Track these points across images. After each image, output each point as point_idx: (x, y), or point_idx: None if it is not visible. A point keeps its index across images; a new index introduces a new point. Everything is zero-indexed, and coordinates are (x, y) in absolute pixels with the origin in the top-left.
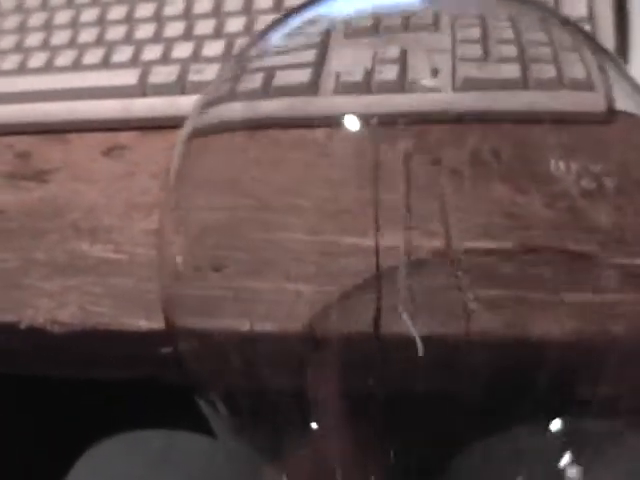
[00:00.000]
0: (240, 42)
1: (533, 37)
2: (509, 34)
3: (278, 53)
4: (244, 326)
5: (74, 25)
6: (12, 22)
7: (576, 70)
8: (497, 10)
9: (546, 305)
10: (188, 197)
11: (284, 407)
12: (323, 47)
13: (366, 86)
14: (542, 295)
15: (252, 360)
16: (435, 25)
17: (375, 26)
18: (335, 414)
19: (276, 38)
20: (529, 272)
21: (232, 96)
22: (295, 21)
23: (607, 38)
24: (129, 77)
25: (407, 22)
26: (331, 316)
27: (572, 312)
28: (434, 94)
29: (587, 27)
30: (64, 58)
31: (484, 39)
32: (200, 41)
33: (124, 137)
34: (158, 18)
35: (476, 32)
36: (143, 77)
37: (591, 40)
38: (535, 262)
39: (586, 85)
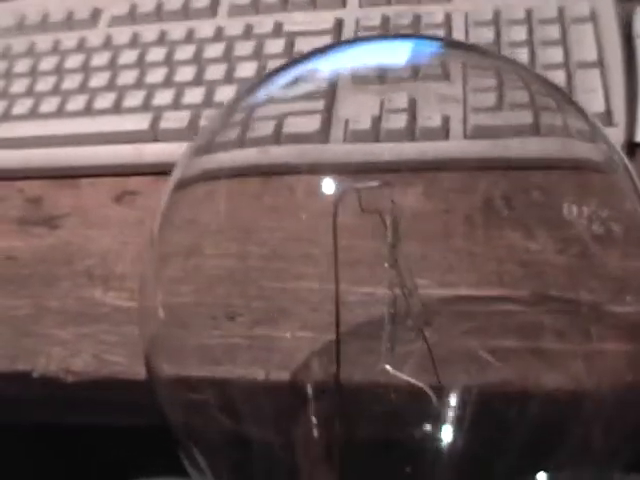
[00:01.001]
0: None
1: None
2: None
3: (287, 100)
4: (259, 375)
5: (85, 69)
6: (23, 66)
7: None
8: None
9: (558, 356)
10: (197, 244)
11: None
12: (332, 94)
13: (375, 134)
14: (555, 346)
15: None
16: (445, 74)
17: (383, 74)
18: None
19: (284, 85)
20: (541, 322)
21: (242, 142)
22: (302, 68)
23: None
24: (140, 122)
25: (416, 71)
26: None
27: (584, 363)
28: (444, 142)
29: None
30: (75, 103)
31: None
32: (211, 86)
33: (135, 182)
34: (169, 63)
35: (488, 82)
36: (154, 122)
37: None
38: (548, 312)
39: (604, 120)
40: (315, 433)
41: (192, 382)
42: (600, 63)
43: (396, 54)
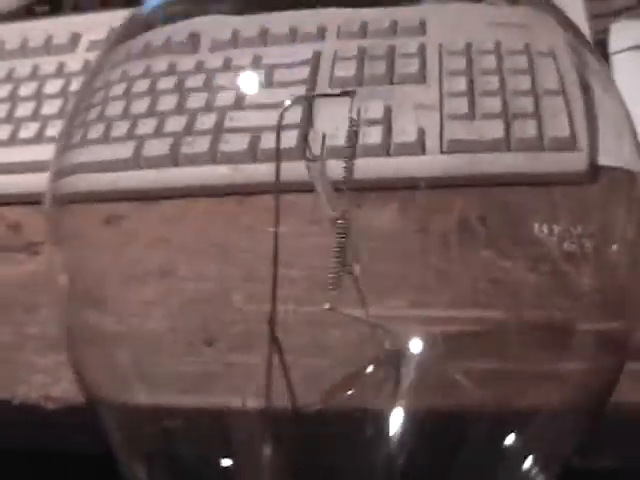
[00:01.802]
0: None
1: (517, 84)
2: (494, 82)
3: (260, 108)
4: (236, 402)
5: (64, 94)
6: (3, 91)
7: (559, 125)
8: (484, 36)
9: (532, 377)
10: (171, 264)
11: None
12: (308, 102)
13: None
14: (527, 367)
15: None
16: (421, 74)
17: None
18: None
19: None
20: (514, 343)
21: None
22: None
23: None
24: (124, 150)
25: (392, 72)
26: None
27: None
28: (420, 158)
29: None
30: (55, 129)
31: (470, 91)
32: (192, 115)
33: (119, 208)
34: (151, 93)
35: (462, 82)
36: (137, 150)
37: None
38: (519, 332)
39: (569, 143)
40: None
41: (163, 410)
42: (562, 91)
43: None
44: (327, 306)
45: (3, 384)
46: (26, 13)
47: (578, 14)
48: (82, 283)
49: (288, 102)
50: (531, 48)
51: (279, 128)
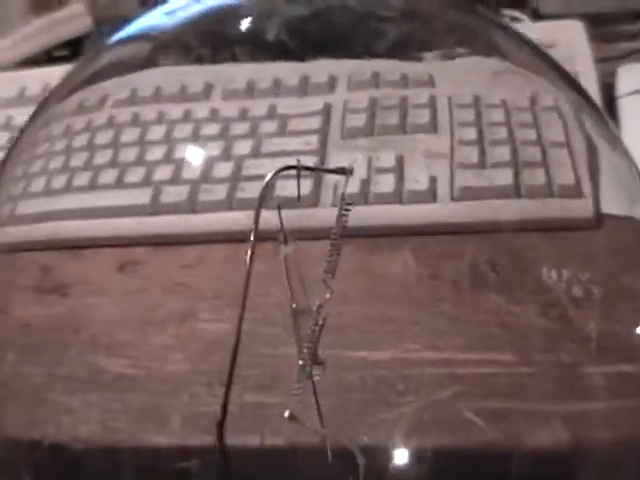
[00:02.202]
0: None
1: (525, 135)
2: (503, 132)
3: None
4: (254, 441)
5: (91, 148)
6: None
7: (565, 174)
8: (490, 91)
9: (541, 416)
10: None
11: None
12: (322, 151)
13: (363, 197)
14: (538, 407)
15: None
16: (432, 124)
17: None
18: None
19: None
20: (524, 384)
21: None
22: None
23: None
24: (142, 196)
25: (404, 122)
26: None
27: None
28: (432, 205)
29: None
30: (81, 179)
31: (480, 140)
32: (209, 163)
33: (137, 253)
34: (168, 140)
35: (472, 132)
36: (155, 196)
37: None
38: (530, 374)
39: (575, 191)
40: None
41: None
42: (567, 143)
43: None
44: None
45: (34, 424)
46: (46, 58)
47: (585, 57)
48: (92, 329)
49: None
50: (536, 103)
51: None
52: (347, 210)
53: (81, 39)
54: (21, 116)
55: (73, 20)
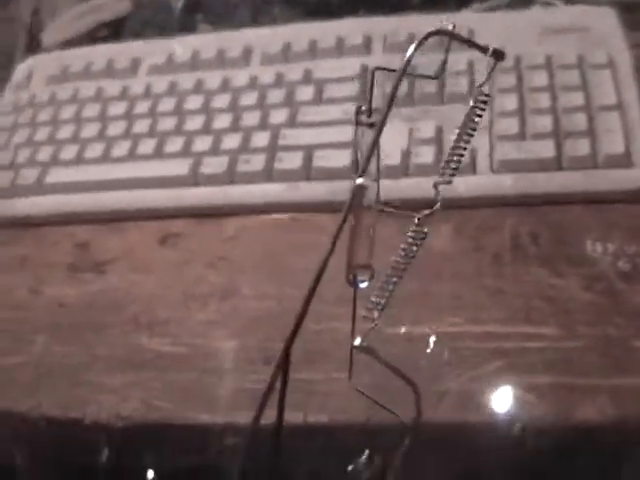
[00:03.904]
0: (283, 132)
1: (569, 100)
2: (545, 100)
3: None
4: (297, 418)
5: (128, 117)
6: (68, 112)
7: (613, 141)
8: (534, 49)
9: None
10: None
11: None
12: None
13: (404, 169)
14: (585, 381)
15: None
16: (471, 94)
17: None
18: None
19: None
20: (570, 358)
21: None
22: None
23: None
24: (181, 167)
25: (442, 91)
26: None
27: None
28: (471, 177)
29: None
30: (120, 149)
31: (520, 110)
32: (247, 132)
33: (177, 225)
34: (207, 110)
35: (512, 101)
36: (194, 167)
37: None
38: (575, 348)
39: (623, 160)
40: None
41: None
42: (619, 106)
43: None
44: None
45: (74, 404)
46: (88, 39)
47: (618, 42)
48: (133, 307)
49: None
50: (585, 61)
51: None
52: (483, 105)
53: (121, 20)
54: (67, 92)
55: (114, 3)
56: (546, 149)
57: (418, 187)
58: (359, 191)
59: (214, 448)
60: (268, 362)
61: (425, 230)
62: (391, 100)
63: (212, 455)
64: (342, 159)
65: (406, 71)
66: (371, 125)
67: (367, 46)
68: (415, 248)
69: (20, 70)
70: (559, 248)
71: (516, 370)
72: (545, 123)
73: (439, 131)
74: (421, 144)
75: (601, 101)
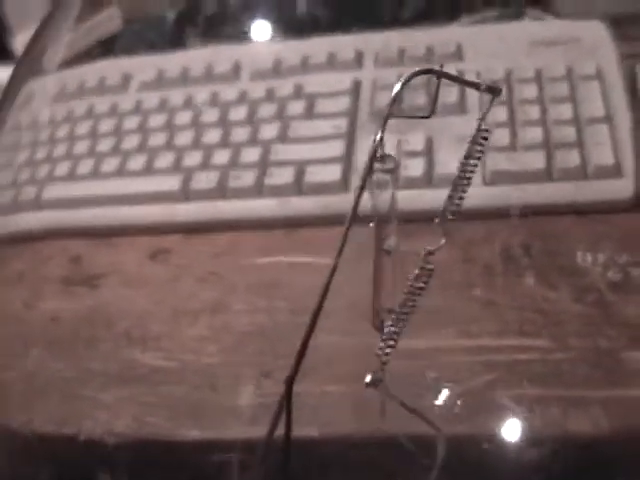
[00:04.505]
0: (275, 148)
1: (559, 112)
2: (535, 112)
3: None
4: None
5: (117, 133)
6: (63, 131)
7: (603, 153)
8: (524, 62)
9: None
10: (223, 298)
11: None
12: (351, 134)
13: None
14: (576, 393)
15: None
16: (461, 104)
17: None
18: None
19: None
20: (561, 371)
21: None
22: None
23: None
24: (172, 183)
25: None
26: None
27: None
28: None
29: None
30: (109, 165)
31: (511, 121)
32: (237, 148)
33: (168, 241)
34: (196, 125)
35: (502, 113)
36: (185, 183)
37: None
38: (567, 360)
39: (613, 171)
40: None
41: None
42: (607, 118)
43: None
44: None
45: (68, 420)
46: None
47: (608, 54)
48: (125, 322)
49: None
50: (574, 73)
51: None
52: (484, 136)
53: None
54: (63, 111)
55: (107, 22)
56: (537, 160)
57: (408, 199)
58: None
59: (208, 464)
60: (266, 376)
61: (431, 267)
62: (380, 140)
63: (207, 471)
64: (333, 174)
65: (394, 108)
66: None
67: (359, 61)
68: (423, 284)
69: (23, 93)
70: (551, 259)
71: (507, 383)
72: (535, 135)
73: (429, 143)
74: (410, 156)
75: (591, 113)
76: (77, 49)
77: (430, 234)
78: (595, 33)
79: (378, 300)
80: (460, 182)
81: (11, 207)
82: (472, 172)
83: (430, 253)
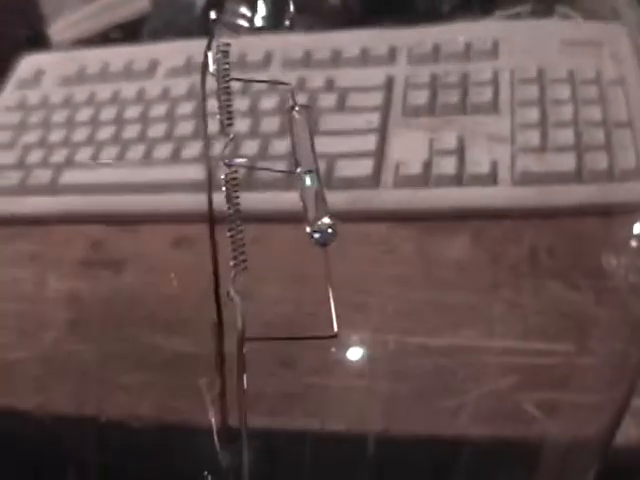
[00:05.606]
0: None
1: (590, 114)
2: (567, 112)
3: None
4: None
5: (144, 120)
6: (85, 115)
7: (625, 157)
8: (556, 61)
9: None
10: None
11: None
12: (383, 130)
13: (424, 179)
14: (597, 398)
15: None
16: (494, 104)
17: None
18: None
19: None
20: (583, 375)
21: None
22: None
23: None
24: (199, 172)
25: (465, 101)
26: None
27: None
28: (492, 189)
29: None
30: (134, 152)
31: (542, 122)
32: (266, 138)
33: (192, 229)
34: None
35: (534, 113)
36: (212, 172)
37: None
38: (590, 365)
39: (636, 174)
40: None
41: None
42: (630, 123)
43: None
44: None
45: (90, 402)
46: (101, 40)
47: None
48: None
49: None
50: (601, 75)
51: None
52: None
53: (137, 21)
54: (84, 94)
55: (129, 3)
56: (567, 162)
57: (438, 197)
58: None
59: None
60: (288, 365)
61: None
62: None
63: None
64: (364, 168)
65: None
66: None
67: (392, 56)
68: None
69: (26, 67)
70: (575, 261)
71: (530, 386)
72: (567, 136)
73: (460, 142)
74: (442, 155)
75: (617, 117)
76: (93, 27)
77: (451, 233)
78: (619, 38)
79: None
80: None
81: (20, 189)
82: None
83: None
